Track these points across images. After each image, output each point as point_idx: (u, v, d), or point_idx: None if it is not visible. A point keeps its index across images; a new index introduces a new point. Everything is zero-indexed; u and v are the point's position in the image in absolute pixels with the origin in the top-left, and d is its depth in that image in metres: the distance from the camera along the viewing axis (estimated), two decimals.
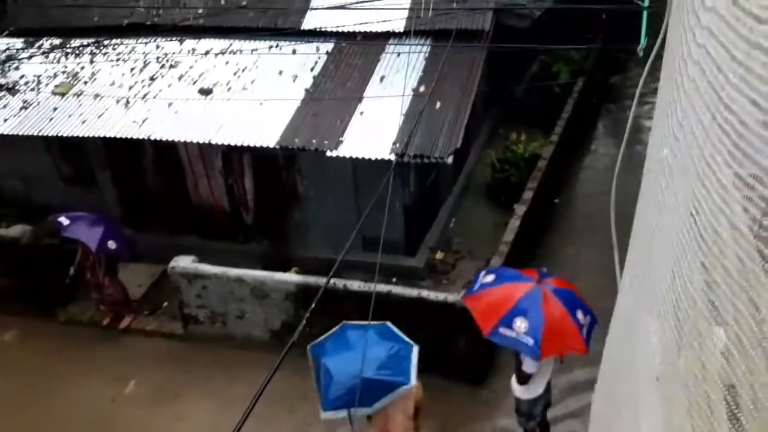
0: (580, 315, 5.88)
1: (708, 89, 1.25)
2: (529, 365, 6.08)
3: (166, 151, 9.56)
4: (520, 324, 5.62)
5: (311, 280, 8.04)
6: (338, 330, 6.02)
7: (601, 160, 12.35)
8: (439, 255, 9.53)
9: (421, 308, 7.59)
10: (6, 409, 7.98)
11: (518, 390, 6.44)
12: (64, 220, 8.55)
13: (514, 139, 10.76)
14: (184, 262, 8.57)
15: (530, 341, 5.57)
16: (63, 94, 9.44)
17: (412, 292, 7.73)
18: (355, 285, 7.76)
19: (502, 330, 5.67)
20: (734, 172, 1.31)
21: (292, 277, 8.33)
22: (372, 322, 5.92)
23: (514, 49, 9.20)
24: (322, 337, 5.93)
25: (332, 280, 7.71)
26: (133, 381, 8.30)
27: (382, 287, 7.63)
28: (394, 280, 8.57)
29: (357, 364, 5.43)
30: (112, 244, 8.56)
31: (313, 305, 5.67)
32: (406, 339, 5.95)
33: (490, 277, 6.15)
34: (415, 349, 5.83)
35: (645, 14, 6.01)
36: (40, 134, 8.90)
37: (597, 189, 11.15)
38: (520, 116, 11.88)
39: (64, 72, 9.91)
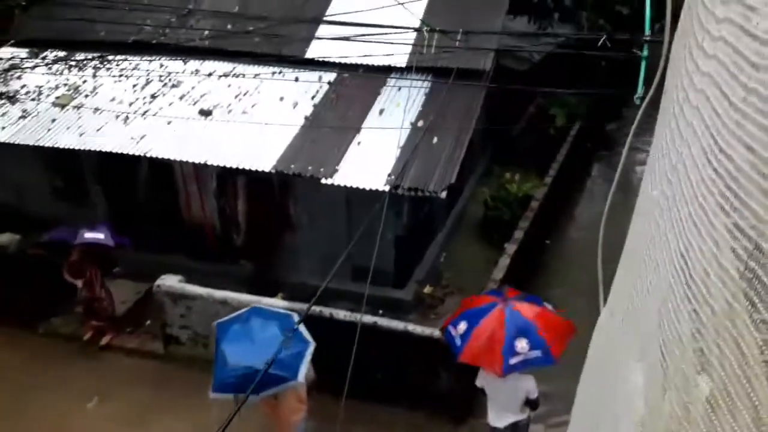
0: (548, 306, 6.30)
1: (705, 133, 1.28)
2: (478, 380, 6.36)
3: (161, 169, 9.57)
4: (521, 344, 5.79)
5: (297, 306, 7.97)
6: (246, 314, 6.54)
7: (594, 205, 12.43)
8: (427, 289, 9.50)
9: (406, 342, 7.53)
10: None
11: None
12: (89, 233, 8.48)
13: (508, 179, 10.85)
14: (170, 281, 8.49)
15: (538, 353, 5.76)
16: (63, 106, 9.46)
17: (398, 325, 7.68)
18: (341, 314, 7.71)
19: (512, 360, 5.78)
20: (725, 217, 1.33)
21: (278, 303, 8.25)
22: (279, 310, 6.71)
23: (512, 90, 9.34)
24: (230, 317, 6.48)
25: (319, 308, 7.66)
26: (96, 397, 8.15)
27: (369, 318, 7.58)
28: (380, 311, 8.51)
29: (251, 356, 5.99)
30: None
31: (293, 329, 5.62)
32: (306, 336, 6.52)
33: (462, 326, 6.21)
34: (311, 348, 6.37)
35: (643, 63, 6.13)
36: (37, 144, 8.89)
37: (588, 233, 11.19)
38: (515, 156, 12.00)
39: (65, 84, 9.96)
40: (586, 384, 3.34)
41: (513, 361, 5.81)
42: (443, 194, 7.85)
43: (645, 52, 6.33)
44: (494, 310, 6.13)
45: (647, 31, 6.34)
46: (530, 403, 6.31)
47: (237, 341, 6.22)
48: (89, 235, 8.44)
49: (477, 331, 6.01)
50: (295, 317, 6.65)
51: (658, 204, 1.65)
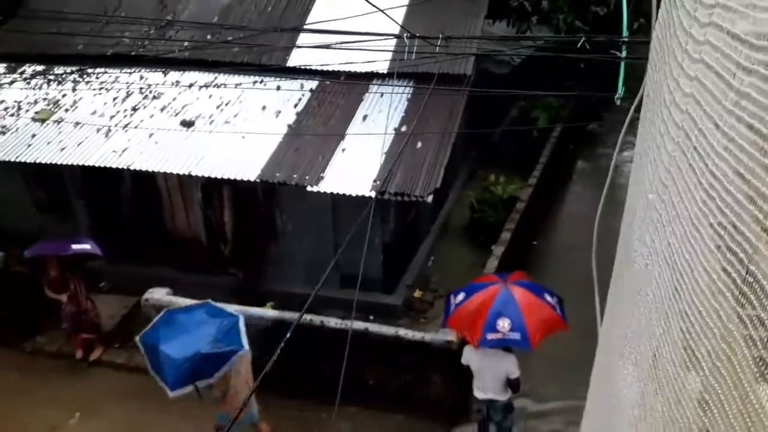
0: (548, 297, 6.35)
1: (699, 137, 1.31)
2: (463, 357, 6.62)
3: (145, 181, 9.50)
4: (503, 323, 5.97)
5: (287, 316, 7.95)
6: (165, 317, 6.77)
7: (578, 204, 12.54)
8: (417, 293, 9.52)
9: (397, 347, 7.54)
10: None
11: None
12: (75, 245, 8.44)
13: (492, 181, 10.92)
14: (158, 294, 8.43)
15: (517, 335, 5.93)
16: (43, 121, 9.37)
17: (389, 330, 7.69)
18: (332, 322, 7.70)
19: (489, 336, 5.98)
20: (717, 219, 1.35)
21: (267, 313, 8.22)
22: (195, 302, 6.97)
23: (494, 94, 9.41)
24: (150, 326, 6.71)
25: (309, 317, 7.64)
26: (78, 414, 8.06)
27: (359, 325, 7.58)
28: (371, 317, 8.52)
29: (193, 344, 6.29)
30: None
31: (285, 339, 5.60)
32: (231, 311, 6.86)
33: (461, 296, 6.48)
34: (241, 318, 6.69)
35: (623, 65, 6.21)
36: (17, 160, 8.79)
37: (573, 232, 11.29)
38: (498, 159, 12.09)
39: (45, 99, 9.86)
40: (594, 388, 3.37)
41: (490, 336, 6.02)
42: (429, 198, 7.88)
43: (623, 53, 6.41)
44: (490, 288, 6.38)
45: (625, 33, 6.43)
46: (511, 384, 6.53)
47: (173, 338, 6.42)
48: (76, 247, 8.38)
49: (467, 304, 6.32)
50: (210, 300, 7.02)
51: (655, 208, 1.67)
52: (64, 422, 8.01)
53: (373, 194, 7.64)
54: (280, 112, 9.20)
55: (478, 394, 6.74)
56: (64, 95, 9.91)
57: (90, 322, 8.86)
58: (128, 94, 9.79)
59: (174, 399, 6.26)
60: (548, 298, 6.42)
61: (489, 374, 6.51)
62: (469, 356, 6.59)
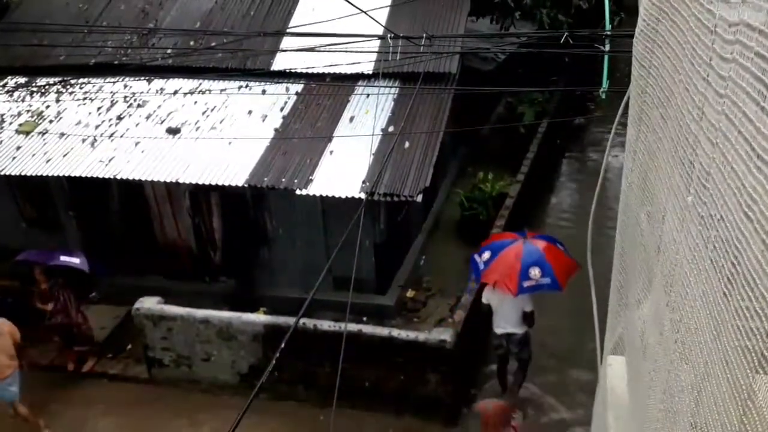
0: (560, 246, 7.37)
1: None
2: (483, 296, 7.52)
3: (132, 190, 9.44)
4: (534, 272, 6.88)
5: (280, 320, 7.93)
6: None
7: (566, 198, 12.59)
8: (409, 293, 9.52)
9: (391, 347, 7.54)
10: None
11: None
12: (64, 256, 8.45)
13: (481, 178, 10.93)
14: (148, 304, 8.37)
15: (548, 280, 6.88)
16: (27, 133, 9.29)
17: (382, 331, 7.68)
18: (325, 325, 7.68)
19: (525, 283, 6.86)
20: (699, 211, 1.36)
21: (259, 318, 8.19)
22: None
23: (479, 91, 9.43)
24: None
25: (302, 321, 7.62)
26: (48, 430, 7.94)
27: (353, 326, 7.57)
28: (364, 318, 8.51)
29: None
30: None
31: (282, 346, 5.60)
32: None
33: (486, 254, 7.28)
34: None
35: (606, 59, 6.25)
36: (2, 173, 8.71)
37: (562, 226, 11.35)
38: (486, 155, 12.11)
39: (28, 111, 9.78)
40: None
41: (526, 284, 6.87)
42: (419, 198, 7.88)
43: (607, 47, 6.45)
44: (515, 244, 7.21)
45: (608, 26, 6.47)
46: (526, 318, 7.33)
47: None
48: (64, 258, 8.32)
49: (498, 259, 7.12)
50: None
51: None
52: None
53: (362, 195, 7.64)
54: (266, 116, 9.17)
55: (498, 329, 7.51)
56: (47, 106, 9.83)
57: (82, 336, 8.79)
58: (113, 104, 9.73)
59: None
60: (560, 246, 7.37)
61: (507, 309, 7.30)
62: (490, 296, 7.39)
